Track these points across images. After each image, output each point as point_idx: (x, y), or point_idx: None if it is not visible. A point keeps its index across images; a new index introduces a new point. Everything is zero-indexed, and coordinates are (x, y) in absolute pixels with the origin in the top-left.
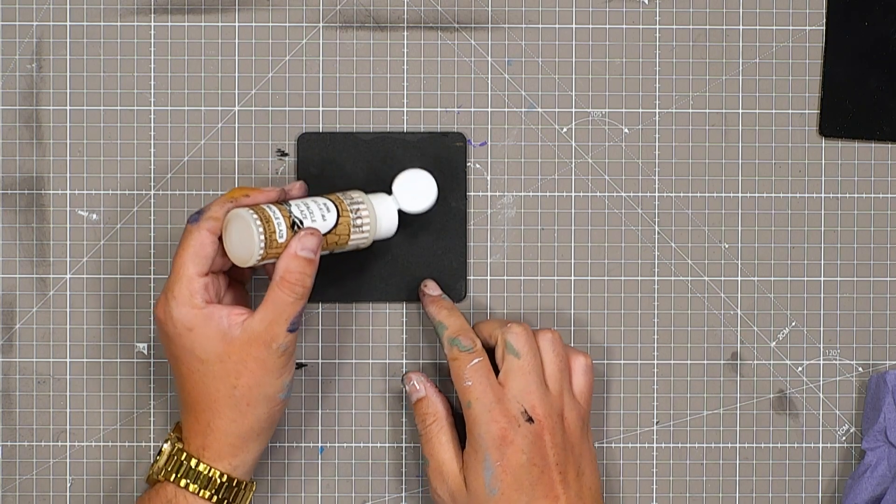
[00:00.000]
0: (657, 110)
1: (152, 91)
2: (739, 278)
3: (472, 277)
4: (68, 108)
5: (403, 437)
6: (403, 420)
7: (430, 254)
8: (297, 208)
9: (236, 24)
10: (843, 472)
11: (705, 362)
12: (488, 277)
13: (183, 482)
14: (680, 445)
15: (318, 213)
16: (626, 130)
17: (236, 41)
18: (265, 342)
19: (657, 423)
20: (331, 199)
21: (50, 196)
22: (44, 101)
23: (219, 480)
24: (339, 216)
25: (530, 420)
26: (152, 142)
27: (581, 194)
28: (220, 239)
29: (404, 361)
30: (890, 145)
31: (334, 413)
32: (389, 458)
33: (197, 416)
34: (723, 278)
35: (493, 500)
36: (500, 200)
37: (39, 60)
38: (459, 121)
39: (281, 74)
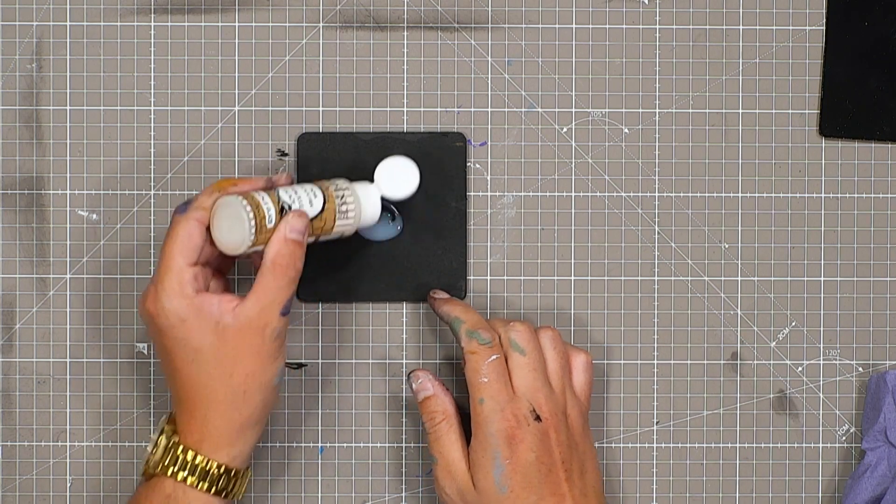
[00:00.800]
0: (657, 110)
1: (152, 91)
2: (739, 278)
3: (472, 277)
4: (68, 108)
5: (403, 437)
6: (403, 420)
7: (430, 254)
8: (286, 193)
9: (236, 24)
10: (843, 472)
11: (705, 362)
12: (488, 277)
13: (181, 475)
14: (680, 445)
15: (307, 199)
16: (626, 130)
17: (236, 41)
18: (259, 328)
19: (657, 423)
20: (317, 186)
21: (50, 196)
22: (44, 101)
23: (217, 472)
24: (325, 202)
25: (538, 418)
26: (152, 142)
27: (581, 194)
28: (209, 229)
29: (404, 361)
30: (890, 145)
31: (334, 413)
32: (389, 458)
33: (192, 410)
34: (723, 278)
35: (503, 498)
36: (500, 200)
37: (39, 60)
38: (459, 121)
39: (281, 74)
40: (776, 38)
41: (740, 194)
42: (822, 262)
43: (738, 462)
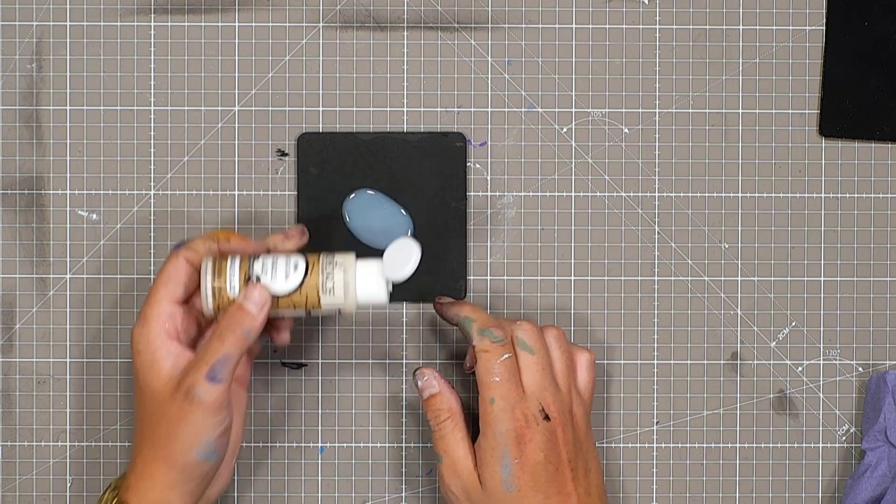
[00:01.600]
0: (657, 110)
1: (152, 91)
2: (739, 278)
3: (472, 277)
4: (68, 108)
5: (403, 437)
6: (403, 420)
7: (430, 254)
8: (260, 263)
9: (236, 24)
10: (843, 472)
11: (705, 362)
12: (488, 277)
13: None
14: (680, 445)
15: (282, 271)
16: (626, 130)
17: (236, 41)
18: (185, 387)
19: (657, 423)
20: (306, 259)
21: (50, 196)
22: (44, 101)
23: None
24: (305, 276)
25: (547, 418)
26: (152, 142)
27: (581, 194)
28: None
29: (404, 361)
30: (890, 145)
31: (334, 413)
32: (389, 458)
33: (133, 452)
34: (723, 278)
35: (510, 497)
36: (500, 200)
37: (39, 60)
38: (459, 121)
39: (281, 74)
40: (776, 38)
41: (740, 194)
42: (822, 262)
43: (738, 462)
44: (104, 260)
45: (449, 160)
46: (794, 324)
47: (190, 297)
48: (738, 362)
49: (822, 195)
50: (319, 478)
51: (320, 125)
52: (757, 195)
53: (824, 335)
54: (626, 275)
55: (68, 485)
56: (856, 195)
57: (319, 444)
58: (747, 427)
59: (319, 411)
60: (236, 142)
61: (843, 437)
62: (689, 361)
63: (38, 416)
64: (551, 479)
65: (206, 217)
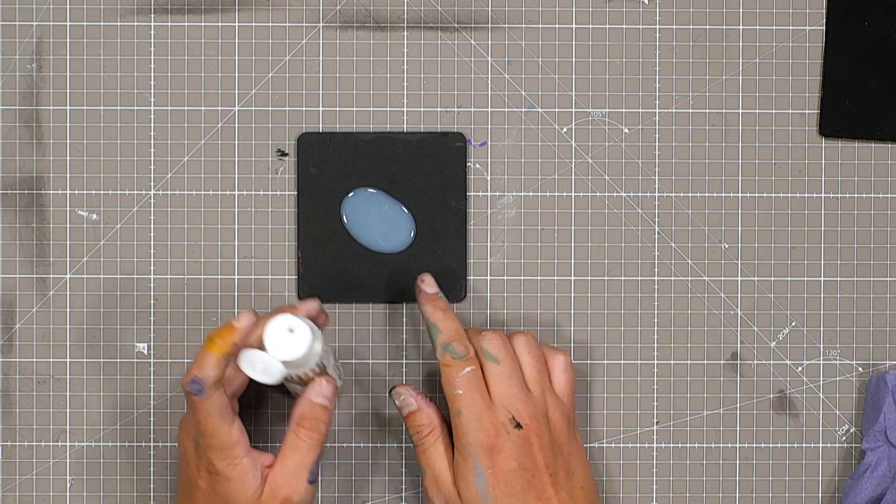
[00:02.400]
0: (657, 110)
1: (152, 91)
2: (739, 278)
3: (472, 277)
4: (68, 108)
5: (403, 437)
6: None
7: (430, 254)
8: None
9: (236, 24)
10: (843, 472)
11: (705, 362)
12: (488, 277)
13: None
14: (680, 445)
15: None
16: (626, 130)
17: (236, 41)
18: (286, 497)
19: (657, 423)
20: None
21: (50, 196)
22: (44, 101)
23: None
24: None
25: (518, 426)
26: (152, 142)
27: (581, 194)
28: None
29: (404, 361)
30: (890, 145)
31: (334, 413)
32: (389, 458)
33: None
34: (723, 278)
35: None
36: (500, 200)
37: (39, 60)
38: (459, 121)
39: (281, 74)
40: (776, 38)
41: (740, 194)
42: (822, 262)
43: (738, 462)
44: (104, 260)
45: (449, 160)
46: (794, 324)
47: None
48: (738, 362)
49: (822, 195)
50: (319, 478)
51: (320, 125)
52: (757, 195)
53: (824, 335)
54: (626, 275)
55: (68, 485)
56: (856, 195)
57: None
58: (747, 427)
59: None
60: (236, 142)
61: (843, 437)
62: (689, 361)
63: (38, 416)
64: (528, 486)
65: (206, 217)
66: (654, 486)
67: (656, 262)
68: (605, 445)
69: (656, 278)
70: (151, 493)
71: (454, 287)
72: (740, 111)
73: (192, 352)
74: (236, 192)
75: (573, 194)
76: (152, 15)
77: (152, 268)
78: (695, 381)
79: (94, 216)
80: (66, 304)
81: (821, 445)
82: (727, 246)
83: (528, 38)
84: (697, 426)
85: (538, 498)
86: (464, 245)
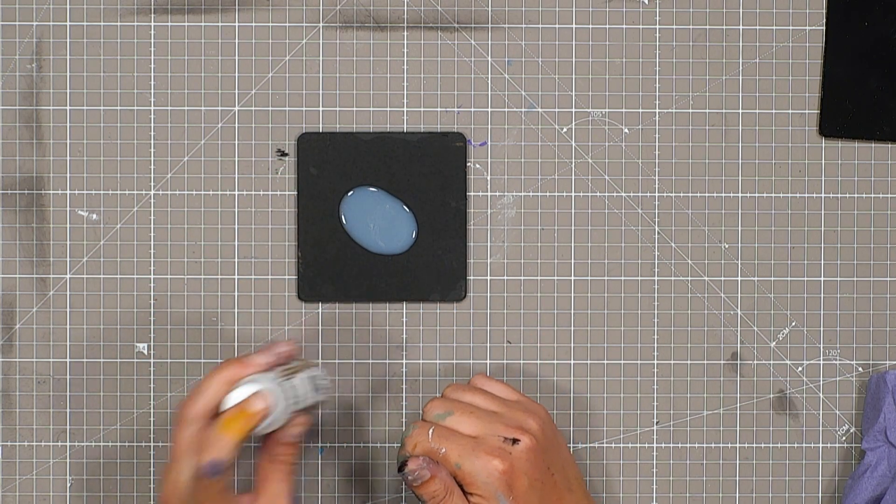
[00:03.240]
0: (657, 110)
1: (152, 91)
2: (739, 278)
3: (472, 277)
4: (68, 108)
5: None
6: (403, 420)
7: (430, 254)
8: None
9: (236, 24)
10: (843, 472)
11: (705, 362)
12: (488, 277)
13: None
14: (680, 445)
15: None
16: (626, 130)
17: (236, 41)
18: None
19: (657, 423)
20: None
21: (50, 196)
22: (44, 101)
23: None
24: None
25: (515, 441)
26: (152, 142)
27: (581, 194)
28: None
29: (404, 361)
30: (890, 145)
31: (334, 413)
32: (389, 459)
33: None
34: (723, 278)
35: None
36: (500, 200)
37: (39, 60)
38: (459, 121)
39: (281, 74)
40: (776, 38)
41: (740, 194)
42: (822, 262)
43: (738, 462)
44: (104, 260)
45: (449, 160)
46: (794, 324)
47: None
48: (738, 362)
49: (822, 195)
50: (319, 478)
51: (320, 125)
52: (757, 195)
53: (824, 335)
54: (626, 275)
55: (68, 485)
56: (856, 195)
57: (319, 444)
58: (747, 427)
59: (319, 411)
60: (236, 142)
61: (843, 437)
62: (689, 361)
63: (38, 416)
64: (544, 495)
65: (206, 217)
66: (654, 486)
67: (656, 262)
68: (605, 445)
69: (656, 278)
70: (151, 493)
71: (454, 287)
72: (740, 111)
73: (193, 352)
74: (236, 192)
75: (573, 194)
76: (152, 15)
77: (152, 268)
78: (695, 381)
79: (94, 216)
80: (66, 304)
81: (821, 445)
82: (727, 246)
83: (528, 38)
84: (697, 426)
85: (559, 499)
86: (464, 245)
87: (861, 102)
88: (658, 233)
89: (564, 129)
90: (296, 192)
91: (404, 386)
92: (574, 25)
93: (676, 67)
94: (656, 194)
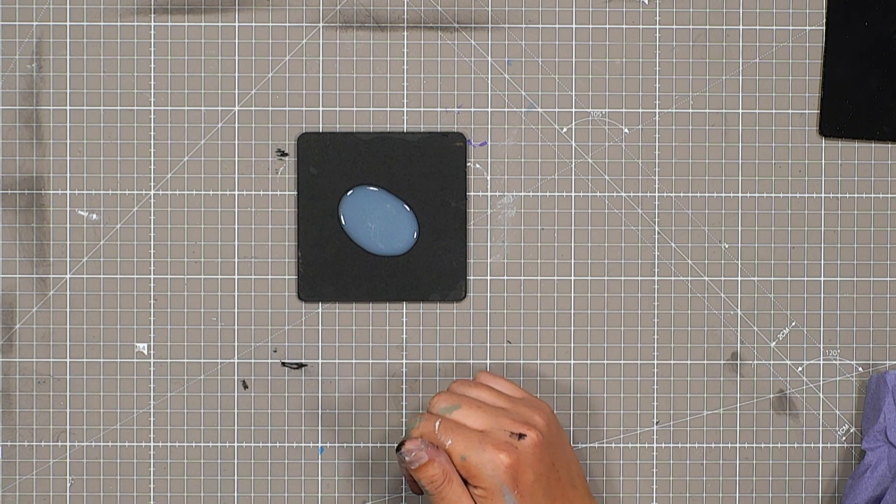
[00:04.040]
0: (657, 110)
1: (152, 91)
2: (739, 278)
3: (472, 277)
4: (68, 108)
5: (403, 437)
6: (403, 420)
7: (430, 254)
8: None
9: (236, 24)
10: (843, 472)
11: (705, 362)
12: (488, 277)
13: None
14: (680, 445)
15: None
16: (626, 130)
17: (236, 41)
18: None
19: (657, 423)
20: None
21: (50, 196)
22: (44, 101)
23: None
24: None
25: (521, 436)
26: (152, 142)
27: (581, 194)
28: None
29: (404, 361)
30: (890, 145)
31: (334, 413)
32: (389, 459)
33: None
34: (723, 278)
35: None
36: (500, 200)
37: (39, 60)
38: (459, 121)
39: (281, 74)
40: (776, 38)
41: (740, 194)
42: (822, 262)
43: (738, 462)
44: (104, 260)
45: (449, 160)
46: (794, 324)
47: None
48: (738, 362)
49: (822, 195)
50: (319, 478)
51: (320, 125)
52: (757, 195)
53: (824, 335)
54: (626, 275)
55: (68, 485)
56: (856, 195)
57: (319, 444)
58: (747, 427)
59: (319, 411)
60: (236, 142)
61: (843, 437)
62: (689, 361)
63: (38, 416)
64: (549, 490)
65: (206, 217)
66: (654, 486)
67: (656, 262)
68: (605, 445)
69: (656, 278)
70: (151, 493)
71: (454, 287)
72: (740, 111)
73: (193, 352)
74: (236, 192)
75: (573, 194)
76: (152, 15)
77: (152, 268)
78: (695, 381)
79: (94, 216)
80: (66, 304)
81: (821, 445)
82: (727, 246)
83: (528, 38)
84: (697, 426)
85: (563, 496)
86: (464, 245)
87: (861, 102)
88: (658, 233)
89: (564, 129)
90: (296, 192)
91: (404, 386)
92: (574, 25)
93: (676, 67)
94: (656, 194)
